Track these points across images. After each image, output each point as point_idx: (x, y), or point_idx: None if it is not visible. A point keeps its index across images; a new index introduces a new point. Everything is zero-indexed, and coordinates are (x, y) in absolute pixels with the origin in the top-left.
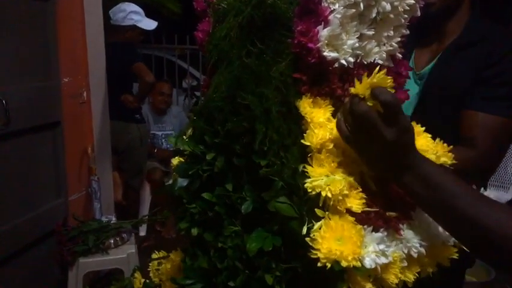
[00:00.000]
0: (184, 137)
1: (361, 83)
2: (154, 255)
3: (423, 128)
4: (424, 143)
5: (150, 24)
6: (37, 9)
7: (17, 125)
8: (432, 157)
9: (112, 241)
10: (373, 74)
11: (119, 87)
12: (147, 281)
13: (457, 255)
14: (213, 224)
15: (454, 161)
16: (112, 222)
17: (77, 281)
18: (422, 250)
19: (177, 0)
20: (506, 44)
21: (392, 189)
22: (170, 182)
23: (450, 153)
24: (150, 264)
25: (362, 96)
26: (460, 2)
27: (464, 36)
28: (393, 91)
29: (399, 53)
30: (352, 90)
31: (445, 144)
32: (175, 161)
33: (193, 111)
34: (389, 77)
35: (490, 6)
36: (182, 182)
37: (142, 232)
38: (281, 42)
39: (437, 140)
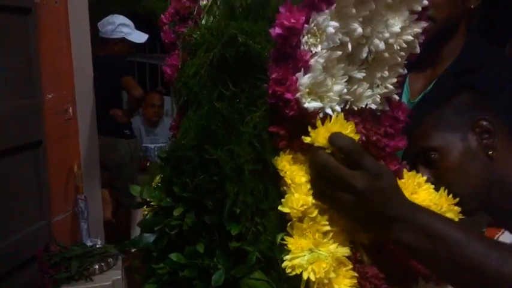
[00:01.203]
0: (153, 184)
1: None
2: None
3: (424, 178)
4: (426, 196)
5: (140, 37)
6: (17, 23)
7: None
8: None
9: (97, 267)
10: (331, 119)
11: (108, 101)
12: None
13: None
14: (184, 287)
15: (461, 216)
16: (97, 246)
17: None
18: None
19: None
20: (510, 71)
21: (390, 260)
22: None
23: (456, 207)
24: None
25: (320, 145)
26: (458, 25)
27: (462, 61)
28: (356, 137)
29: (396, 94)
30: (307, 139)
31: (450, 196)
32: (145, 210)
33: (160, 156)
34: (349, 122)
35: (488, 28)
36: (149, 237)
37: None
38: (256, 87)
39: (442, 190)
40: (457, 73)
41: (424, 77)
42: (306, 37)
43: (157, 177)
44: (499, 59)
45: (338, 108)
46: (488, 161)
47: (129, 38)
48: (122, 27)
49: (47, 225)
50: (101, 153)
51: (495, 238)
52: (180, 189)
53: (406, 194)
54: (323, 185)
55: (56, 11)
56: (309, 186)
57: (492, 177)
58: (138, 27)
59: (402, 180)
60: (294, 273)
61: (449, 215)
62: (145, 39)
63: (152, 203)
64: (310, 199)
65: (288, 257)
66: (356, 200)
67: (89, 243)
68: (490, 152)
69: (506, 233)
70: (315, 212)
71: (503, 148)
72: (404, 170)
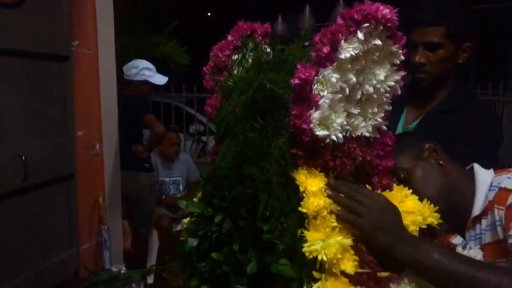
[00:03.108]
0: (194, 199)
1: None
2: None
3: (410, 191)
4: (412, 205)
5: (161, 80)
6: (56, 69)
7: (34, 179)
8: (419, 218)
9: None
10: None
11: (130, 138)
12: None
13: None
14: (221, 281)
15: (440, 221)
16: (122, 272)
17: None
18: None
19: (185, 52)
20: (480, 111)
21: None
22: (179, 227)
23: (436, 214)
24: None
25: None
26: (448, 77)
27: (446, 102)
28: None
29: (384, 125)
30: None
31: (432, 205)
32: (186, 221)
33: (203, 177)
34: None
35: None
36: (192, 241)
37: (150, 280)
38: (280, 120)
39: (425, 201)
40: (441, 111)
41: (417, 112)
42: (316, 85)
43: (198, 194)
44: (473, 102)
45: (340, 135)
46: (440, 168)
47: (151, 80)
48: (145, 71)
49: (75, 253)
50: (122, 186)
51: (450, 240)
52: (219, 201)
53: (395, 202)
54: (342, 200)
55: (88, 58)
56: (319, 193)
57: (447, 180)
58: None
59: (392, 192)
60: (311, 256)
61: (430, 219)
62: (165, 81)
63: (195, 214)
64: (322, 202)
65: (306, 245)
66: (373, 209)
67: (114, 269)
68: (441, 162)
69: (458, 236)
70: (325, 212)
71: (446, 160)
72: (394, 184)
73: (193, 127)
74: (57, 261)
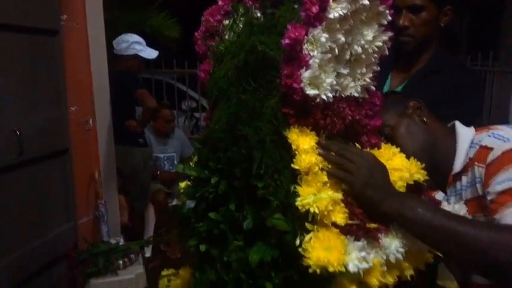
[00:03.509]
0: (190, 163)
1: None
2: (163, 273)
3: (398, 149)
4: (399, 162)
5: (151, 54)
6: (46, 44)
7: (29, 154)
8: (406, 175)
9: (121, 262)
10: None
11: (123, 113)
12: None
13: (433, 260)
14: (218, 240)
15: (426, 178)
16: (120, 244)
17: None
18: (400, 256)
19: (176, 24)
20: (461, 72)
21: None
22: (174, 203)
23: (423, 171)
24: (160, 281)
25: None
26: (431, 40)
27: (429, 65)
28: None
29: (372, 85)
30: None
31: (419, 163)
32: (183, 184)
33: (198, 140)
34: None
35: (444, 40)
36: (190, 203)
37: (148, 253)
38: (271, 82)
39: (412, 159)
40: (424, 74)
41: (401, 76)
42: (306, 45)
43: (194, 158)
44: (453, 65)
45: (330, 95)
46: (424, 125)
47: (142, 54)
48: (136, 45)
49: (73, 227)
50: (117, 161)
51: (432, 195)
52: (215, 163)
53: (383, 160)
54: (333, 158)
55: (77, 32)
56: (310, 150)
57: (430, 136)
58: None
59: (380, 150)
60: (303, 210)
61: (417, 176)
62: (156, 55)
63: (191, 177)
64: (313, 159)
65: (299, 199)
66: (362, 166)
67: (112, 242)
68: (424, 119)
69: (440, 192)
70: (317, 168)
71: (430, 117)
72: (382, 143)
73: (186, 103)
74: (56, 234)
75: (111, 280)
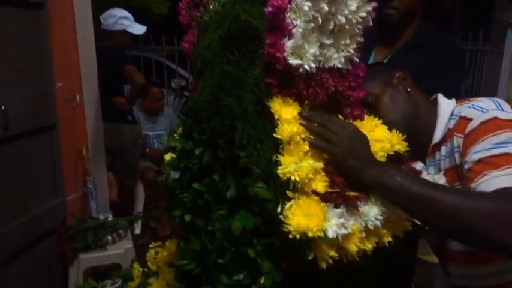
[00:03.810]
0: (175, 135)
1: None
2: (151, 245)
3: (380, 121)
4: (381, 133)
5: (139, 29)
6: (31, 17)
7: (15, 129)
8: (387, 145)
9: (110, 238)
10: None
11: (111, 90)
12: (146, 269)
13: (411, 228)
14: (203, 210)
15: (407, 149)
16: (109, 219)
17: (78, 277)
18: (378, 223)
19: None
20: (443, 46)
21: None
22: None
23: (404, 142)
24: (148, 253)
25: None
26: (415, 12)
27: (412, 40)
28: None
29: (356, 57)
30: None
31: (400, 135)
32: (167, 156)
33: (183, 112)
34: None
35: (437, 17)
36: (175, 174)
37: (138, 230)
38: (255, 52)
39: (394, 130)
40: (408, 49)
41: (385, 51)
42: (289, 14)
43: (179, 130)
44: (436, 39)
45: (313, 65)
46: (407, 95)
47: (130, 30)
48: (123, 20)
49: (61, 203)
50: (105, 138)
51: (412, 166)
52: (199, 134)
53: (365, 131)
54: (315, 129)
55: (63, 5)
56: (293, 120)
57: (413, 107)
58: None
59: (362, 122)
60: (285, 178)
61: (397, 147)
62: (144, 30)
63: (176, 148)
64: (295, 129)
65: (280, 168)
66: (343, 137)
67: (101, 217)
68: (408, 89)
69: (420, 163)
70: (298, 138)
71: (414, 89)
72: (365, 115)
73: (175, 82)
74: (45, 210)
75: (100, 255)
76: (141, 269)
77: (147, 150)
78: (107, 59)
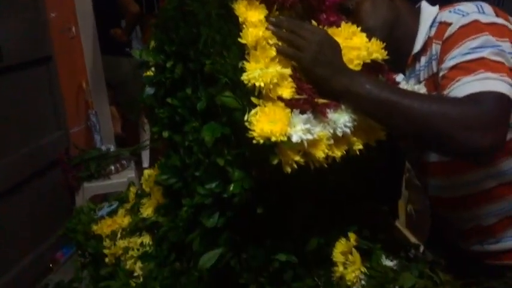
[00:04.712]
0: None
1: None
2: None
3: (359, 29)
4: (359, 41)
5: None
6: None
7: (10, 60)
8: (364, 53)
9: (113, 167)
10: None
11: (107, 21)
12: (139, 191)
13: (385, 137)
14: (180, 126)
15: (386, 57)
16: (111, 150)
17: (84, 204)
18: (347, 130)
19: None
20: None
21: None
22: None
23: (383, 51)
24: (142, 177)
25: None
26: None
27: None
28: None
29: None
30: None
31: (379, 43)
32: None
33: (153, 24)
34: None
35: None
36: (150, 90)
37: (146, 163)
38: None
39: (373, 39)
40: None
41: None
42: None
43: (151, 44)
44: None
45: None
46: (390, 2)
47: None
48: None
49: (64, 135)
50: (105, 71)
51: (392, 77)
52: (169, 45)
53: (341, 39)
54: (283, 34)
55: None
56: (259, 24)
57: (394, 13)
58: None
59: (339, 29)
60: (250, 84)
61: (375, 55)
62: None
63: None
64: (261, 33)
65: (245, 74)
66: (312, 42)
67: (104, 148)
68: None
69: (400, 74)
70: (264, 43)
71: None
72: (342, 22)
73: None
74: (48, 142)
75: (104, 184)
76: (135, 191)
77: None
78: None
